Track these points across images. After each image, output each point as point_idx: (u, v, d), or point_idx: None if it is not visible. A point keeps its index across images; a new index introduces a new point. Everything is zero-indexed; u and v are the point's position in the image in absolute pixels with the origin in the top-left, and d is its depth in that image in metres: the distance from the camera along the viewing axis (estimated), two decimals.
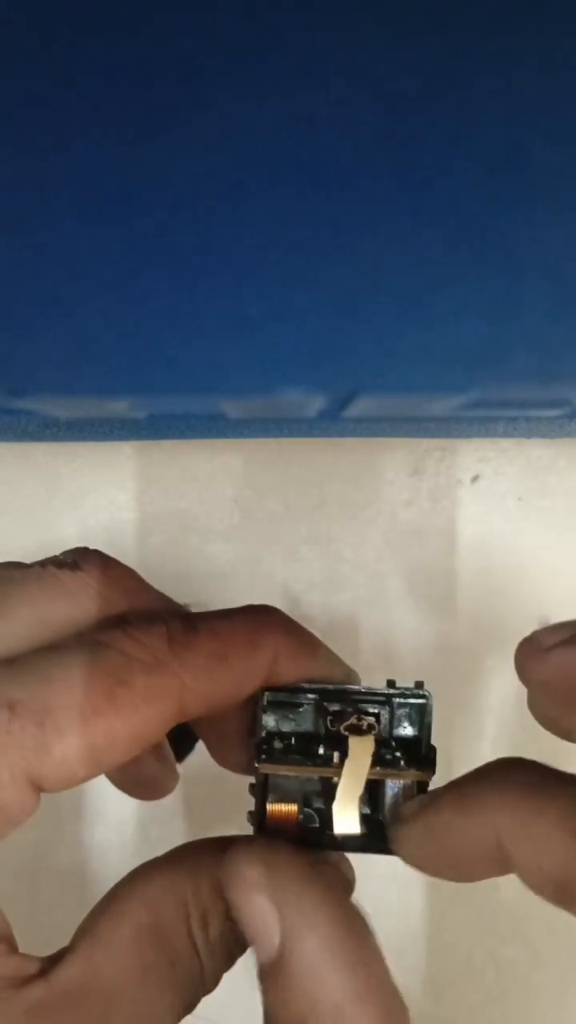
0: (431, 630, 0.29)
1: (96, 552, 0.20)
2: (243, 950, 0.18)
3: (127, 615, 0.19)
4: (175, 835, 0.29)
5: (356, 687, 0.21)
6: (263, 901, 0.16)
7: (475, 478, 0.29)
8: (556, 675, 0.18)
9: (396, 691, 0.20)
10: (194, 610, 0.29)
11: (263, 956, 0.16)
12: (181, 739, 0.26)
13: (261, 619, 0.20)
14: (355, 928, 0.16)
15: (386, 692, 0.20)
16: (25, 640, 0.18)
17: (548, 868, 0.16)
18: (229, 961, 0.18)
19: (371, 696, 0.20)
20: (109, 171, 0.15)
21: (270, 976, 0.16)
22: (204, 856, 0.18)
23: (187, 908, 0.17)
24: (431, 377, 0.17)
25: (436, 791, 0.19)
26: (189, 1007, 0.17)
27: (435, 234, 0.16)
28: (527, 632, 0.30)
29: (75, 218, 0.16)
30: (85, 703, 0.17)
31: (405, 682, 0.21)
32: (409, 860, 0.19)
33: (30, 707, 0.16)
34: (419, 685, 0.20)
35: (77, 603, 0.19)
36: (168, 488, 0.28)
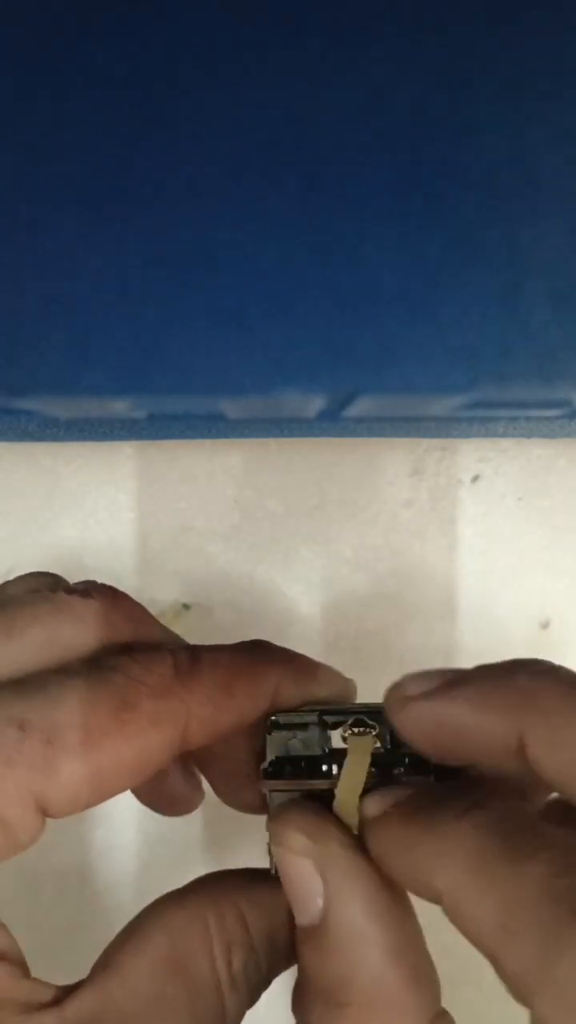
0: (431, 630, 0.29)
1: (106, 585, 0.21)
2: (267, 984, 0.18)
3: (134, 644, 0.19)
4: (175, 835, 0.29)
5: (358, 704, 0.21)
6: (308, 865, 0.17)
7: (475, 478, 0.29)
8: (413, 727, 0.18)
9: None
10: (193, 611, 0.29)
11: (304, 919, 0.17)
12: None
13: (262, 652, 0.20)
14: (394, 893, 0.17)
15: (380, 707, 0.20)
16: (33, 661, 0.18)
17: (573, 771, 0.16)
18: (253, 996, 0.18)
19: (372, 711, 0.20)
20: (109, 172, 0.15)
21: (310, 939, 0.17)
22: (228, 886, 0.18)
23: (211, 939, 0.17)
24: (431, 377, 0.17)
25: (449, 676, 0.18)
26: None
27: (435, 234, 0.16)
28: (527, 632, 0.30)
29: (75, 218, 0.16)
30: (93, 724, 0.17)
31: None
32: (412, 739, 0.18)
33: (39, 726, 0.16)
34: None
35: (85, 628, 0.19)
36: (168, 488, 0.28)
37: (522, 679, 0.17)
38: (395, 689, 0.19)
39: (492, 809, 0.16)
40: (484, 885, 0.15)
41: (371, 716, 0.20)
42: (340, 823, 0.18)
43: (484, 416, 0.21)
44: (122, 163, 0.15)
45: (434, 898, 0.15)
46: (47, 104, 0.15)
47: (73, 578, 0.22)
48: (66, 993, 0.16)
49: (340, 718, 0.20)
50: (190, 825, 0.29)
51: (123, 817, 0.29)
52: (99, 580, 0.21)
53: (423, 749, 0.18)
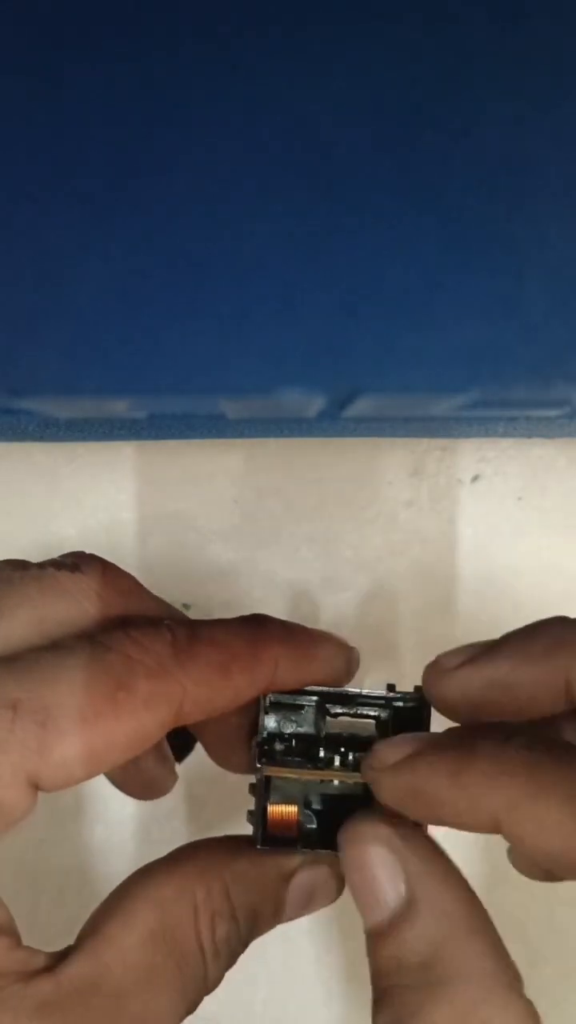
0: (431, 630, 0.29)
1: (94, 556, 0.20)
2: (244, 949, 0.18)
3: (130, 618, 0.19)
4: (175, 835, 0.29)
5: (357, 690, 0.21)
6: (386, 853, 0.18)
7: (475, 478, 0.29)
8: (456, 694, 0.19)
9: (396, 695, 0.21)
10: (193, 611, 0.29)
11: (381, 913, 0.17)
12: (180, 740, 0.26)
13: (262, 631, 0.20)
14: (460, 874, 0.18)
15: (386, 696, 0.21)
16: (23, 640, 0.18)
17: None
18: (232, 960, 0.18)
19: (372, 699, 0.21)
20: (109, 172, 0.15)
21: (392, 930, 0.17)
22: (213, 858, 0.19)
23: (197, 912, 0.18)
24: (431, 377, 0.17)
25: (480, 645, 0.20)
26: (192, 1007, 0.17)
27: (435, 234, 0.16)
28: None
29: (75, 218, 0.16)
30: (87, 705, 0.17)
31: (404, 686, 0.21)
32: (456, 707, 0.20)
33: (32, 707, 0.16)
34: (417, 690, 0.21)
35: (75, 604, 0.19)
36: (168, 488, 0.28)
37: (556, 629, 0.19)
38: (432, 668, 0.20)
39: (528, 734, 0.17)
40: (547, 792, 0.16)
41: (372, 705, 0.21)
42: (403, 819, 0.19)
43: (484, 416, 0.21)
44: (122, 163, 0.15)
45: (486, 822, 0.16)
46: (47, 103, 0.15)
47: None
48: (57, 960, 0.16)
49: (340, 708, 0.21)
50: (190, 825, 0.29)
51: (122, 816, 0.29)
52: None
53: (466, 716, 0.19)
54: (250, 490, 0.28)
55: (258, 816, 0.20)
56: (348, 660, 0.22)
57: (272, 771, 0.20)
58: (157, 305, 0.16)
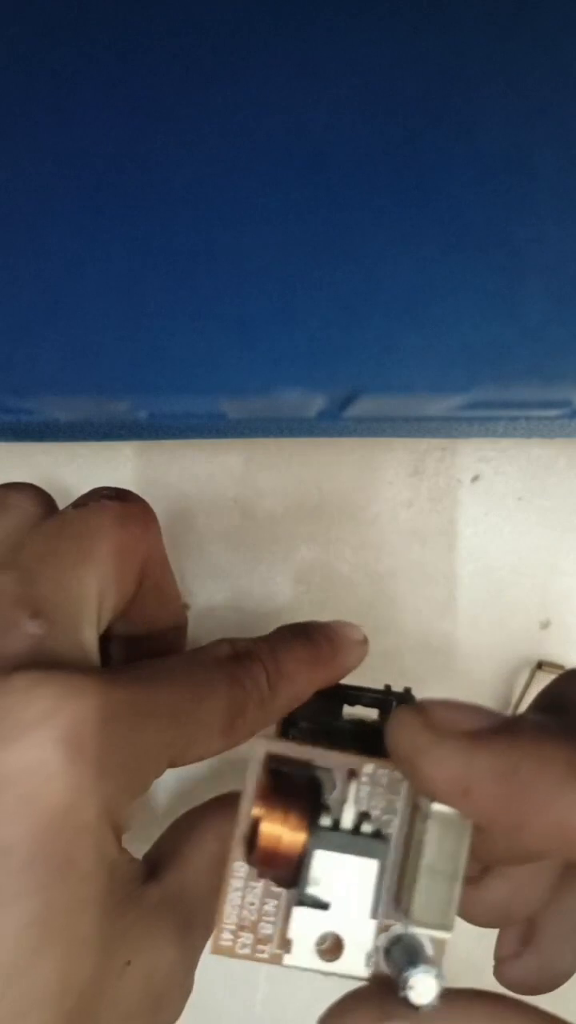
0: (431, 630, 0.29)
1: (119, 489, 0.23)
2: None
3: (235, 643, 0.22)
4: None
5: (359, 685, 0.23)
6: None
7: (475, 478, 0.29)
8: (447, 775, 0.16)
9: (392, 694, 0.23)
10: (193, 611, 0.29)
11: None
12: None
13: (321, 663, 0.23)
14: None
15: (384, 693, 0.23)
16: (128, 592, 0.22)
17: None
18: None
19: (371, 694, 0.23)
20: (110, 171, 0.15)
21: None
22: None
23: None
24: (431, 377, 0.17)
25: (489, 714, 0.16)
26: None
27: (435, 234, 0.16)
28: (527, 632, 0.30)
29: (75, 218, 0.16)
30: (221, 723, 0.20)
31: (397, 687, 0.23)
32: (444, 792, 0.16)
33: (184, 709, 0.20)
34: (407, 691, 0.23)
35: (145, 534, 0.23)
36: (168, 488, 0.28)
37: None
38: (418, 715, 0.17)
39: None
40: None
41: (369, 698, 0.23)
42: None
43: (484, 416, 0.21)
44: (122, 163, 0.15)
45: None
46: (47, 103, 0.15)
47: None
48: (151, 869, 0.20)
49: (343, 699, 0.23)
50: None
51: None
52: None
53: (453, 800, 0.16)
54: (250, 490, 0.28)
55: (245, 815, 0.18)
56: (359, 658, 0.24)
57: (282, 746, 0.18)
58: (157, 305, 0.16)
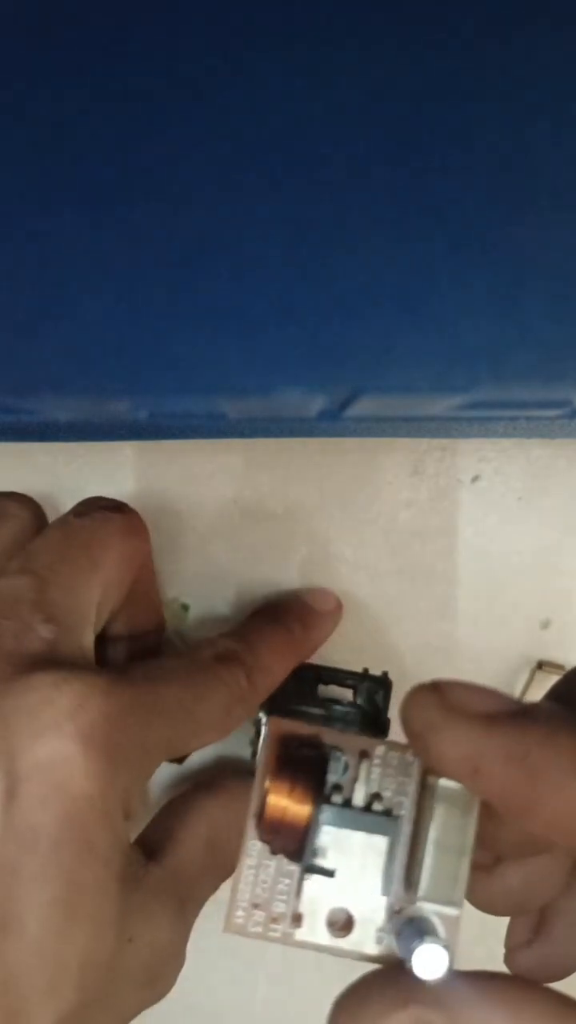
0: (431, 630, 0.29)
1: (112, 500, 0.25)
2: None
3: (217, 644, 0.24)
4: None
5: (336, 667, 0.26)
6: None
7: (475, 478, 0.29)
8: (459, 754, 0.16)
9: (369, 677, 0.25)
10: (193, 611, 0.29)
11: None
12: None
13: (295, 644, 0.25)
14: None
15: (360, 674, 0.25)
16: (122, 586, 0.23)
17: None
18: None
19: (348, 675, 0.25)
20: (109, 172, 0.15)
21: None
22: (243, 785, 0.22)
23: (232, 826, 0.22)
24: (431, 377, 0.17)
25: (500, 697, 0.16)
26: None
27: (435, 234, 0.16)
28: (527, 632, 0.30)
29: (75, 218, 0.16)
30: (215, 719, 0.22)
31: (404, 687, 0.22)
32: (455, 771, 0.16)
33: (183, 706, 0.21)
34: (384, 675, 0.25)
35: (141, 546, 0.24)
36: (168, 488, 0.28)
37: None
38: (436, 693, 0.17)
39: None
40: None
41: (347, 677, 0.25)
42: None
43: (484, 416, 0.21)
44: (122, 163, 0.15)
45: None
46: (46, 103, 0.15)
47: None
48: (149, 851, 0.22)
49: (324, 676, 0.25)
50: None
51: None
52: None
53: (466, 781, 0.16)
54: (250, 490, 0.28)
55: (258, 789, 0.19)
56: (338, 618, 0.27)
57: (281, 723, 0.19)
58: (157, 305, 0.16)
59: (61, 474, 0.28)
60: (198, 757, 0.28)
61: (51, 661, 0.20)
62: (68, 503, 0.27)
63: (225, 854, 0.22)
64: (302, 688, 0.24)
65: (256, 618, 0.26)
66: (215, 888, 0.23)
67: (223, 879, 0.23)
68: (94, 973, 0.18)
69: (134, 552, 0.24)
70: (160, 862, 0.22)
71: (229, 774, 0.25)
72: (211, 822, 0.23)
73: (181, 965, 0.22)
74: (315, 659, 0.26)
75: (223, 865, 0.22)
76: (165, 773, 0.29)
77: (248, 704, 0.23)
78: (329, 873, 0.18)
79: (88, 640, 0.22)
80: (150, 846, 0.22)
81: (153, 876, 0.21)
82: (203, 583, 0.29)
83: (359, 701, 0.25)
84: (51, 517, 0.29)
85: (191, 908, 0.22)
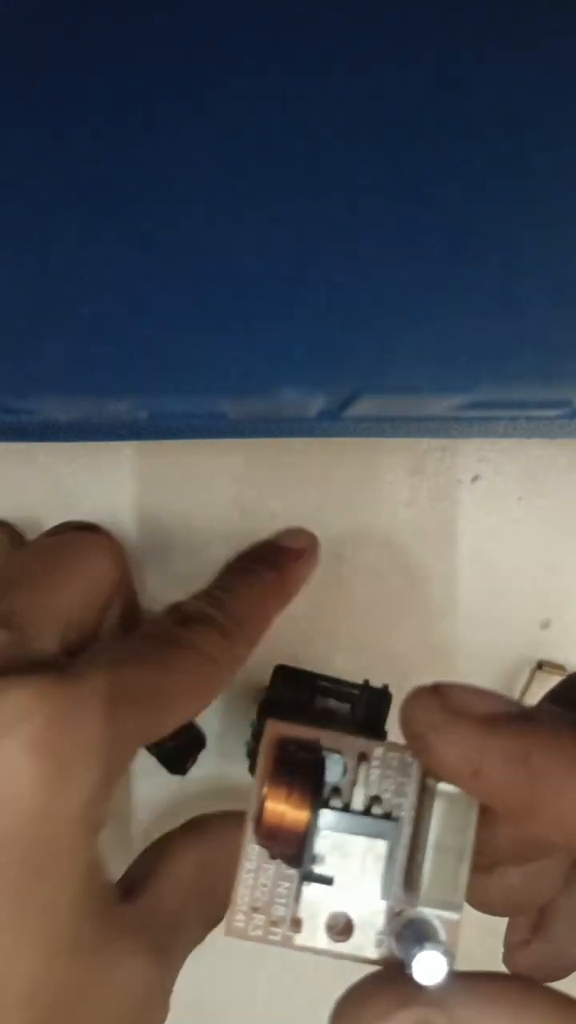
0: (431, 630, 0.29)
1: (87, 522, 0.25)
2: None
3: (184, 607, 0.23)
4: None
5: (336, 677, 0.25)
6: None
7: (475, 478, 0.29)
8: (460, 756, 0.16)
9: (369, 689, 0.25)
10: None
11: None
12: (186, 750, 0.26)
13: (269, 600, 0.24)
14: None
15: (361, 685, 0.25)
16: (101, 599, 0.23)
17: None
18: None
19: (346, 687, 0.25)
20: (109, 172, 0.15)
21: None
22: (231, 826, 0.21)
23: (218, 869, 0.20)
24: (431, 377, 0.17)
25: (501, 700, 0.16)
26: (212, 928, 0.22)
27: (435, 234, 0.16)
28: (527, 632, 0.30)
29: (75, 218, 0.16)
30: (188, 690, 0.21)
31: (405, 688, 0.22)
32: (457, 775, 0.16)
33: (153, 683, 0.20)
34: (385, 687, 0.25)
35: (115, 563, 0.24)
36: (168, 488, 0.28)
37: None
38: (434, 694, 0.17)
39: None
40: None
41: (349, 690, 0.25)
42: None
43: (484, 416, 0.21)
44: (122, 163, 0.15)
45: None
46: (46, 103, 0.15)
47: None
48: (124, 894, 0.20)
49: (325, 685, 0.25)
50: None
51: (122, 816, 0.29)
52: None
53: (465, 783, 0.16)
54: (250, 490, 0.28)
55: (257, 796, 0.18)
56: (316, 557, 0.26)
57: (280, 727, 0.18)
58: (157, 305, 0.16)
59: (61, 474, 0.28)
60: (199, 772, 0.28)
61: (6, 667, 0.19)
62: (68, 503, 0.27)
63: (213, 898, 0.21)
64: (299, 700, 0.24)
65: (222, 572, 0.25)
66: (203, 935, 0.21)
67: (212, 925, 0.21)
68: (49, 999, 0.17)
69: (106, 569, 0.23)
70: (135, 903, 0.20)
71: (219, 815, 0.23)
72: (198, 863, 0.21)
73: (164, 1017, 0.20)
74: (316, 664, 0.26)
75: (212, 910, 0.21)
76: (167, 789, 0.28)
77: (228, 661, 0.22)
78: (328, 881, 0.17)
79: (49, 645, 0.21)
80: (128, 888, 0.21)
81: (127, 916, 0.20)
82: (203, 583, 0.29)
83: (357, 716, 0.24)
84: (51, 518, 0.29)
85: (175, 955, 0.20)
